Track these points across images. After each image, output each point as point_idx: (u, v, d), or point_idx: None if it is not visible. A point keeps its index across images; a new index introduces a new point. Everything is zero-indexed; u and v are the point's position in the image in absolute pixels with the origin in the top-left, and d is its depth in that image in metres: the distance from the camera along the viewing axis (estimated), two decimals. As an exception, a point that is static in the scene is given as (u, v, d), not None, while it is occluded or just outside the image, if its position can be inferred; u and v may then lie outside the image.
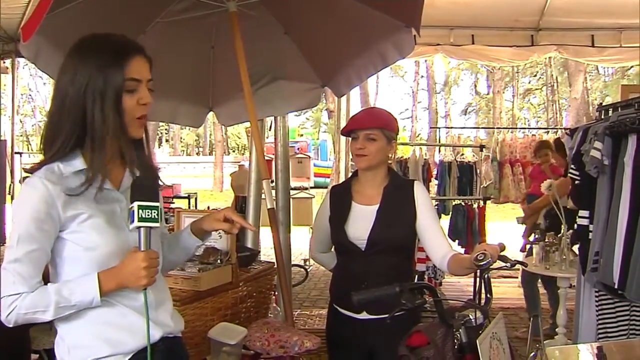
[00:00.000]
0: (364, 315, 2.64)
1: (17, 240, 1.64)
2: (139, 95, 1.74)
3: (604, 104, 4.20)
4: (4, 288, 1.63)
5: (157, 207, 1.71)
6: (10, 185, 10.14)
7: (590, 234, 3.76)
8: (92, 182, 1.70)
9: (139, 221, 1.67)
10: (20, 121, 32.45)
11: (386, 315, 2.56)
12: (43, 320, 1.66)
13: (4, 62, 9.15)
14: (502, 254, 2.23)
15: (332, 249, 2.96)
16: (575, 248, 4.40)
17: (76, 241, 1.70)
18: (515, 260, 2.47)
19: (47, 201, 1.65)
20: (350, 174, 2.95)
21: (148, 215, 1.69)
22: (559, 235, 4.82)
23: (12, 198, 10.10)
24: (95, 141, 1.70)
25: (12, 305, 1.62)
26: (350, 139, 2.77)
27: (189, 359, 2.07)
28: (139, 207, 1.68)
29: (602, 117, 3.98)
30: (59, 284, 1.69)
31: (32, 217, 1.64)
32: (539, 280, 5.86)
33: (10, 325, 1.66)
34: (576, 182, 3.99)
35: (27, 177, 1.71)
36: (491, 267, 2.18)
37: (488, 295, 2.22)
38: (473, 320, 2.08)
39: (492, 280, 2.27)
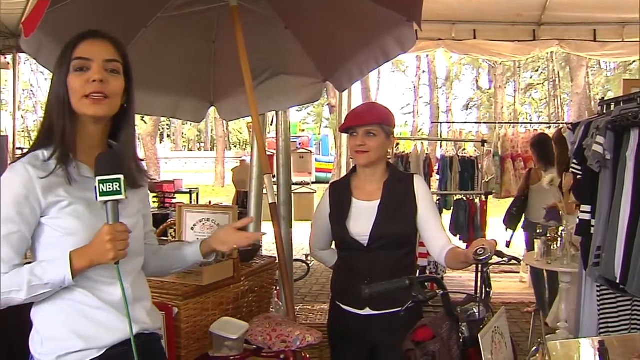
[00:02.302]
0: (367, 311, 2.65)
1: None
2: (89, 74, 1.76)
3: (606, 98, 4.19)
4: None
5: (119, 179, 1.70)
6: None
7: (592, 228, 3.76)
8: (62, 161, 1.73)
9: (101, 195, 1.68)
10: (22, 117, 32.41)
11: (389, 311, 2.59)
12: (18, 300, 1.67)
13: (5, 58, 9.15)
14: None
15: (332, 246, 2.96)
16: (577, 243, 4.39)
17: (56, 227, 1.73)
18: (511, 256, 2.49)
19: (27, 186, 1.68)
20: (350, 169, 2.94)
21: (109, 188, 1.69)
22: (560, 230, 4.81)
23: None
24: (55, 124, 1.76)
25: None
26: (348, 135, 2.77)
27: (165, 355, 2.09)
28: (100, 181, 1.69)
29: (604, 111, 3.97)
30: (33, 264, 1.71)
31: (12, 201, 1.67)
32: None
33: None
34: (578, 176, 3.99)
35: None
36: (490, 261, 2.19)
37: (487, 289, 2.22)
38: (477, 313, 2.08)
39: (493, 275, 2.28)
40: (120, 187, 1.70)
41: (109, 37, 1.83)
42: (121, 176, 1.70)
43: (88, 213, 1.75)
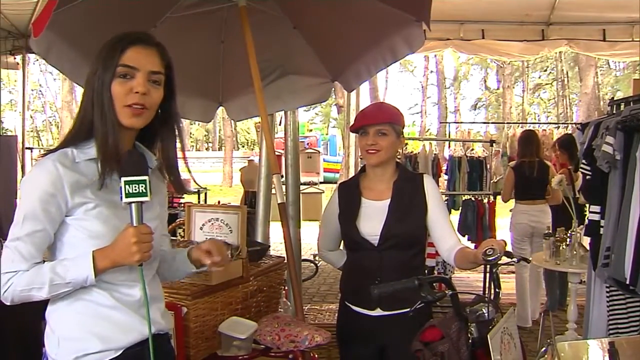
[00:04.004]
0: (377, 312, 2.64)
1: (22, 219, 1.66)
2: (133, 84, 1.74)
3: (615, 98, 4.18)
4: (4, 265, 1.65)
5: (144, 180, 1.70)
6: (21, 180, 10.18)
7: (602, 229, 3.75)
8: (105, 174, 1.72)
9: (127, 197, 1.68)
10: (31, 117, 32.54)
11: (399, 311, 2.58)
12: (39, 297, 1.68)
13: (15, 58, 9.18)
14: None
15: (341, 247, 2.96)
16: (586, 243, 4.38)
17: (80, 228, 1.72)
18: (520, 256, 2.48)
19: (55, 184, 1.67)
20: (359, 169, 2.94)
21: (135, 190, 1.69)
22: (569, 231, 4.80)
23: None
24: (97, 128, 1.73)
25: (9, 282, 1.64)
26: (358, 135, 2.77)
27: (174, 354, 2.09)
28: (126, 182, 1.69)
29: (614, 111, 3.96)
30: (55, 262, 1.70)
31: (39, 198, 1.66)
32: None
33: (8, 303, 1.68)
34: (587, 177, 3.98)
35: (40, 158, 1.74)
36: (499, 262, 2.19)
37: (497, 290, 2.22)
38: (486, 314, 2.08)
39: (501, 276, 2.27)
40: (145, 188, 1.70)
41: (156, 44, 1.82)
42: (147, 177, 1.71)
43: (113, 216, 1.75)
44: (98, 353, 1.74)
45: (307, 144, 20.19)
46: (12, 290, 1.65)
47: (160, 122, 1.87)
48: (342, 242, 2.91)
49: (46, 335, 1.80)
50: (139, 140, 1.89)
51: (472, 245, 6.47)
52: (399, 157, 2.82)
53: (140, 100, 1.74)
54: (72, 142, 1.76)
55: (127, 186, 1.68)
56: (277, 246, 5.94)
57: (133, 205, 1.70)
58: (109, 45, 1.76)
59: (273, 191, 4.09)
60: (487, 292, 2.18)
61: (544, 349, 2.10)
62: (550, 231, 4.98)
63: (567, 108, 30.51)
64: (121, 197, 1.69)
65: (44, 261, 1.71)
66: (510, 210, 6.37)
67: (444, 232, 2.68)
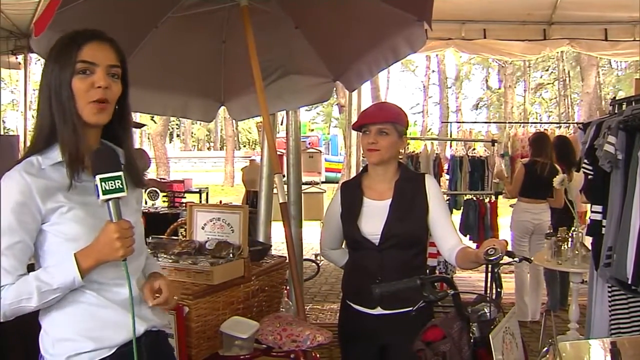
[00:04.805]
0: (378, 311, 2.65)
1: None
2: (94, 79, 1.73)
3: (617, 98, 4.18)
4: None
5: (120, 176, 1.69)
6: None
7: (603, 229, 3.74)
8: (75, 169, 1.72)
9: (104, 194, 1.67)
10: (33, 116, 32.50)
11: (400, 311, 2.58)
12: (29, 308, 1.67)
13: (17, 58, 9.19)
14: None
15: (343, 246, 2.96)
16: (588, 243, 4.38)
17: (57, 233, 1.71)
18: (522, 256, 2.48)
19: (24, 193, 1.66)
20: (361, 169, 2.94)
21: (112, 186, 1.67)
22: (571, 230, 4.80)
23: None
24: (59, 129, 1.72)
25: None
26: (361, 133, 2.77)
27: (173, 352, 2.10)
28: (101, 179, 1.67)
29: (616, 111, 3.96)
30: (38, 270, 1.70)
31: (11, 210, 1.65)
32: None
33: (1, 320, 1.66)
34: (589, 176, 3.97)
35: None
36: (500, 262, 2.19)
37: (499, 290, 2.22)
38: (488, 314, 2.08)
39: (502, 275, 2.27)
40: (122, 184, 1.69)
41: (110, 39, 1.81)
42: (121, 173, 1.70)
43: (88, 217, 1.74)
44: (91, 352, 1.75)
45: (309, 143, 20.17)
46: (1, 305, 1.63)
47: (117, 117, 1.85)
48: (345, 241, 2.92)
49: (41, 337, 1.81)
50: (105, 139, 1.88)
51: (473, 245, 6.46)
52: (400, 157, 2.82)
53: (103, 95, 1.74)
54: (35, 150, 1.74)
55: (102, 183, 1.66)
56: (279, 246, 5.93)
57: (110, 202, 1.68)
58: (63, 43, 1.75)
59: (275, 191, 4.09)
60: (488, 291, 2.18)
61: (545, 348, 2.10)
62: (552, 231, 4.98)
63: (568, 108, 30.49)
64: (98, 195, 1.67)
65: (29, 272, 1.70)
66: (511, 206, 6.38)
67: (445, 231, 2.69)
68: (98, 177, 1.67)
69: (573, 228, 4.81)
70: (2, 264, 1.64)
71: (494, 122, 21.71)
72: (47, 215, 1.70)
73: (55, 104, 1.72)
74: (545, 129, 8.66)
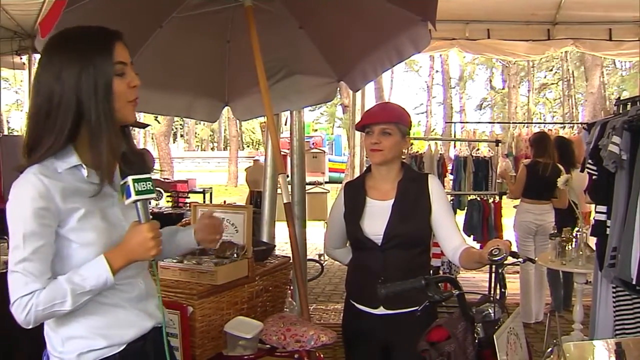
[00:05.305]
0: (381, 311, 2.64)
1: (23, 240, 1.61)
2: (129, 79, 1.73)
3: (621, 98, 4.17)
4: (17, 290, 1.61)
5: (150, 178, 1.72)
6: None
7: (608, 229, 3.73)
8: (104, 182, 1.71)
9: (136, 194, 1.68)
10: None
11: (402, 310, 2.58)
12: (62, 312, 1.65)
13: (21, 58, 9.22)
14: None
15: (347, 244, 2.97)
16: (592, 243, 4.37)
17: (73, 238, 1.70)
18: (526, 257, 2.48)
19: (45, 195, 1.63)
20: (365, 169, 2.95)
21: (143, 187, 1.70)
22: (574, 231, 4.79)
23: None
24: (93, 132, 1.68)
25: (28, 304, 1.60)
26: (364, 133, 2.77)
27: (172, 348, 2.10)
28: (134, 180, 1.69)
29: (621, 111, 3.95)
30: (68, 273, 1.67)
31: (33, 214, 1.61)
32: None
33: (30, 327, 1.65)
34: (593, 177, 3.96)
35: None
36: (505, 262, 2.18)
37: (503, 290, 2.21)
38: (492, 314, 2.07)
39: (506, 276, 2.27)
40: (152, 185, 1.72)
41: (125, 40, 1.80)
42: (151, 175, 1.73)
43: (103, 223, 1.74)
44: (102, 349, 1.75)
45: (313, 143, 20.21)
46: (33, 312, 1.61)
47: None
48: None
49: (47, 335, 1.80)
50: None
51: (477, 246, 6.46)
52: (404, 157, 2.81)
53: (137, 94, 1.76)
54: (50, 154, 1.68)
55: (135, 184, 1.68)
56: (283, 246, 5.94)
57: (139, 203, 1.70)
58: (95, 43, 1.71)
59: (279, 191, 4.10)
60: (493, 292, 2.18)
61: (550, 349, 2.10)
62: (556, 231, 4.97)
63: (572, 108, 30.44)
64: (129, 196, 1.68)
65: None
66: (515, 207, 6.38)
67: (449, 232, 2.68)
68: (130, 178, 1.69)
69: (577, 229, 4.80)
70: (30, 269, 1.61)
71: (497, 123, 21.71)
72: (65, 218, 1.68)
73: (92, 106, 1.67)
74: (549, 129, 8.66)
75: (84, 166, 1.72)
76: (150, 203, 1.74)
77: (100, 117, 1.67)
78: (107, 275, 1.67)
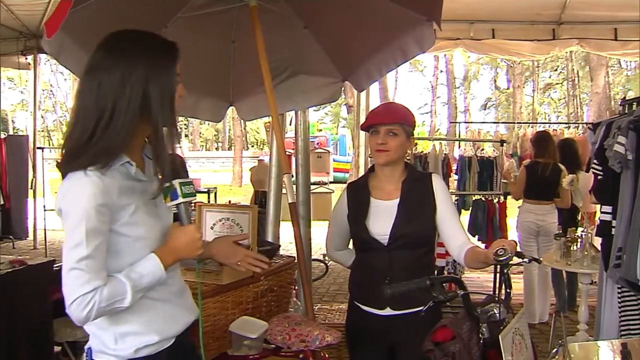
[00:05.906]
0: (387, 311, 2.64)
1: (86, 237, 1.63)
2: (179, 90, 1.84)
3: (627, 98, 4.16)
4: (78, 288, 1.62)
5: (192, 182, 1.83)
6: (32, 180, 10.26)
7: (613, 229, 3.73)
8: (165, 179, 1.79)
9: (183, 197, 1.79)
10: (42, 117, 32.76)
11: (408, 311, 2.58)
12: (121, 308, 1.70)
13: (26, 59, 9.26)
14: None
15: (349, 246, 2.96)
16: (597, 244, 4.36)
17: (125, 232, 1.74)
18: (531, 257, 2.47)
19: (103, 192, 1.67)
20: (369, 169, 2.94)
21: (188, 190, 1.81)
22: (579, 231, 4.78)
23: (35, 193, 10.24)
24: (158, 138, 1.77)
25: (91, 301, 1.62)
26: (369, 133, 2.77)
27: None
28: (180, 184, 1.79)
29: (626, 111, 3.94)
30: (125, 270, 1.72)
31: (95, 211, 1.65)
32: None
33: (89, 322, 1.68)
34: (599, 177, 3.96)
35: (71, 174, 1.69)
36: (510, 262, 2.18)
37: (508, 290, 2.21)
38: (498, 314, 2.07)
39: (511, 276, 2.26)
40: (194, 188, 1.85)
41: None
42: (191, 179, 1.83)
43: (149, 217, 1.80)
44: (157, 344, 1.83)
45: (317, 143, 20.22)
46: (95, 308, 1.62)
47: None
48: (351, 241, 2.92)
49: (94, 335, 1.82)
50: None
51: (482, 246, 6.45)
52: (408, 157, 2.81)
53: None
54: (109, 153, 1.71)
55: (182, 187, 1.79)
56: (288, 246, 5.93)
57: (182, 205, 1.81)
58: (165, 52, 1.81)
59: (283, 191, 4.10)
60: (498, 292, 2.18)
61: (555, 349, 2.10)
62: (561, 232, 4.96)
63: (577, 108, 30.39)
64: (175, 197, 1.79)
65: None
66: (519, 207, 6.37)
67: (453, 231, 2.68)
68: (177, 181, 1.80)
69: (582, 229, 4.79)
70: (92, 266, 1.63)
71: (502, 122, 21.69)
72: (118, 213, 1.72)
73: (158, 114, 1.74)
74: (554, 130, 8.65)
75: (132, 163, 1.78)
76: (191, 205, 1.87)
77: (165, 124, 1.77)
78: (162, 272, 1.76)
